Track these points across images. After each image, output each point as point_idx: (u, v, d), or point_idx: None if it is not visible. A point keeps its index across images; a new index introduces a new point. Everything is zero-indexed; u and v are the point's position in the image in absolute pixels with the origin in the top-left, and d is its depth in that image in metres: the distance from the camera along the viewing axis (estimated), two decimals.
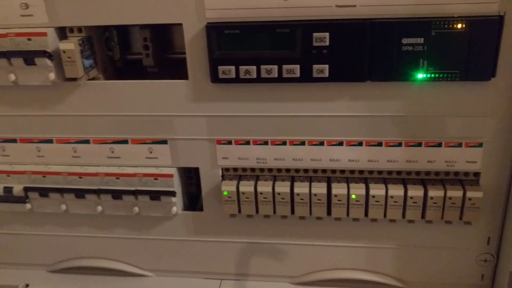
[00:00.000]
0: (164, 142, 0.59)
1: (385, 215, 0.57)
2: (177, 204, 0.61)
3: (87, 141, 0.60)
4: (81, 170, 0.61)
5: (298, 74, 0.52)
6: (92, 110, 0.58)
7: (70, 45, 0.53)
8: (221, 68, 0.52)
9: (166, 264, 0.67)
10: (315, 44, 0.50)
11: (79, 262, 0.68)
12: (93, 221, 0.65)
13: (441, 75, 0.50)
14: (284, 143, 0.57)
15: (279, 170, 0.59)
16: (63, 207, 0.62)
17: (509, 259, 0.56)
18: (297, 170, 0.59)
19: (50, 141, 0.60)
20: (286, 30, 0.50)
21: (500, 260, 0.59)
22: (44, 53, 0.53)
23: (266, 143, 0.57)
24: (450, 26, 0.48)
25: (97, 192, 0.61)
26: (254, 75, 0.52)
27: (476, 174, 0.56)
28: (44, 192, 0.62)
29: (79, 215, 0.64)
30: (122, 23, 0.53)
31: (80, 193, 0.61)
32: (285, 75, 0.52)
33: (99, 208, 0.62)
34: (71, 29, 0.54)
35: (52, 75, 0.54)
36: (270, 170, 0.59)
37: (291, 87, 0.53)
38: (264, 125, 0.56)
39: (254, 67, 0.52)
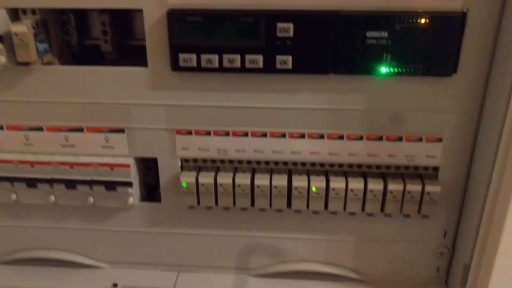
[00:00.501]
0: (121, 131, 0.57)
1: (344, 208, 0.57)
2: (133, 195, 0.59)
3: (40, 129, 0.57)
4: (33, 158, 0.58)
5: (261, 65, 0.51)
6: (46, 96, 0.55)
7: (22, 28, 0.50)
8: (182, 56, 0.51)
9: (122, 256, 0.65)
10: (279, 34, 0.49)
11: (30, 253, 0.66)
12: (45, 211, 0.62)
13: (404, 70, 0.50)
14: (245, 134, 0.56)
15: (240, 161, 0.58)
16: (14, 196, 0.60)
17: (464, 252, 0.57)
18: (258, 162, 0.58)
19: (0, 128, 0.57)
20: (250, 19, 0.49)
21: (456, 253, 0.60)
22: None
23: (227, 134, 0.56)
24: (414, 21, 0.48)
25: (50, 181, 0.58)
26: (216, 64, 0.51)
27: (435, 169, 0.57)
28: None
29: (31, 205, 0.62)
30: (79, 6, 0.51)
31: (31, 182, 0.59)
32: (248, 65, 0.51)
33: (52, 198, 0.60)
34: (24, 11, 0.52)
35: (2, 59, 0.51)
36: (231, 161, 0.58)
37: (254, 77, 0.52)
38: (226, 115, 0.55)
39: (216, 56, 0.51)
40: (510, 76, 0.46)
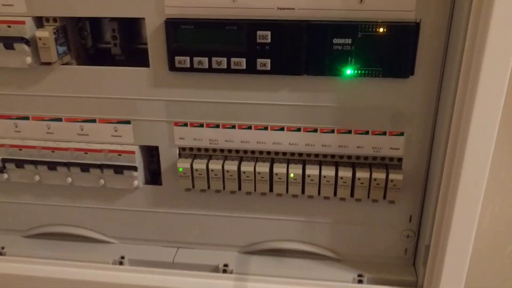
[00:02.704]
0: (128, 122, 0.66)
1: (319, 193, 0.65)
2: (138, 178, 0.68)
3: (59, 119, 0.67)
4: (53, 145, 0.68)
5: (244, 66, 0.59)
6: (64, 91, 0.65)
7: (45, 33, 0.60)
8: (177, 58, 0.60)
9: (129, 232, 0.74)
10: (258, 40, 0.58)
11: (50, 228, 0.75)
12: (63, 191, 0.72)
13: (366, 72, 0.58)
14: (233, 126, 0.64)
15: (229, 150, 0.66)
16: (37, 177, 0.69)
17: (425, 235, 0.64)
18: (244, 151, 0.66)
19: (26, 118, 0.67)
20: (234, 28, 0.58)
21: (420, 236, 0.67)
22: (22, 39, 0.60)
23: (217, 126, 0.64)
24: (374, 29, 0.56)
25: (68, 165, 0.68)
26: (206, 66, 0.59)
27: (399, 159, 0.64)
28: (20, 164, 0.69)
29: (51, 186, 0.71)
30: (91, 15, 0.61)
31: (52, 166, 0.68)
32: (233, 66, 0.59)
33: (69, 179, 0.69)
34: (47, 19, 0.61)
35: (28, 59, 0.61)
36: (221, 150, 0.67)
37: (239, 77, 0.61)
38: (216, 110, 0.63)
39: (206, 59, 0.59)
40: (455, 79, 0.53)
